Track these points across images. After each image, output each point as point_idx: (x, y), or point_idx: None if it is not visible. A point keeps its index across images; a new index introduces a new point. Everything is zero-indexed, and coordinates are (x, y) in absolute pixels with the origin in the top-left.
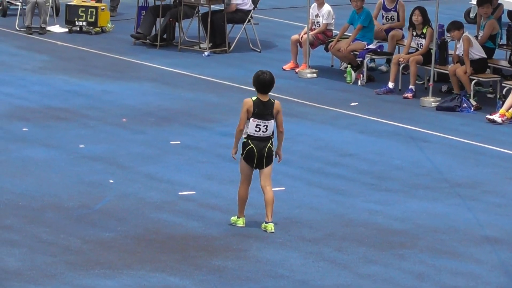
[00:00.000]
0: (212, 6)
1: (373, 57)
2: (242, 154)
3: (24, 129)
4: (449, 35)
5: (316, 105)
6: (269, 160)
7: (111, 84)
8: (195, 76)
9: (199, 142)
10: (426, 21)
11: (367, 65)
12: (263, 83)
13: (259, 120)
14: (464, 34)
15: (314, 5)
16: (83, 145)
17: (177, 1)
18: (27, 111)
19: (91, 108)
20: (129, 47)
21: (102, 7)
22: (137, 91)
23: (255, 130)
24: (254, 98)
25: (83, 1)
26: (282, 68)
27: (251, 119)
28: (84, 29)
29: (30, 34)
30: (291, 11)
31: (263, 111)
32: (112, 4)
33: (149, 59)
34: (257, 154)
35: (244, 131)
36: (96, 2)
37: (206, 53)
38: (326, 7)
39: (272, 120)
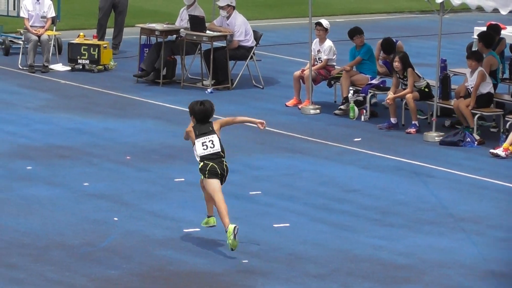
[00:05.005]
0: (214, 43)
1: (376, 92)
2: (205, 175)
3: (27, 167)
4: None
5: (319, 141)
6: (225, 180)
7: (114, 122)
8: None
9: None
10: (406, 67)
11: (370, 101)
12: (202, 112)
13: (203, 137)
14: (480, 69)
15: (316, 40)
16: (87, 183)
17: (179, 38)
18: (31, 150)
19: (94, 146)
20: (131, 84)
21: (105, 45)
22: (140, 129)
23: (203, 149)
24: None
25: (85, 39)
26: (285, 104)
27: (196, 141)
28: (86, 67)
29: (33, 72)
30: (293, 47)
31: (203, 129)
32: (115, 42)
33: (151, 96)
34: (219, 169)
35: (197, 157)
36: (98, 40)
37: (209, 90)
38: (328, 43)
39: (215, 135)
